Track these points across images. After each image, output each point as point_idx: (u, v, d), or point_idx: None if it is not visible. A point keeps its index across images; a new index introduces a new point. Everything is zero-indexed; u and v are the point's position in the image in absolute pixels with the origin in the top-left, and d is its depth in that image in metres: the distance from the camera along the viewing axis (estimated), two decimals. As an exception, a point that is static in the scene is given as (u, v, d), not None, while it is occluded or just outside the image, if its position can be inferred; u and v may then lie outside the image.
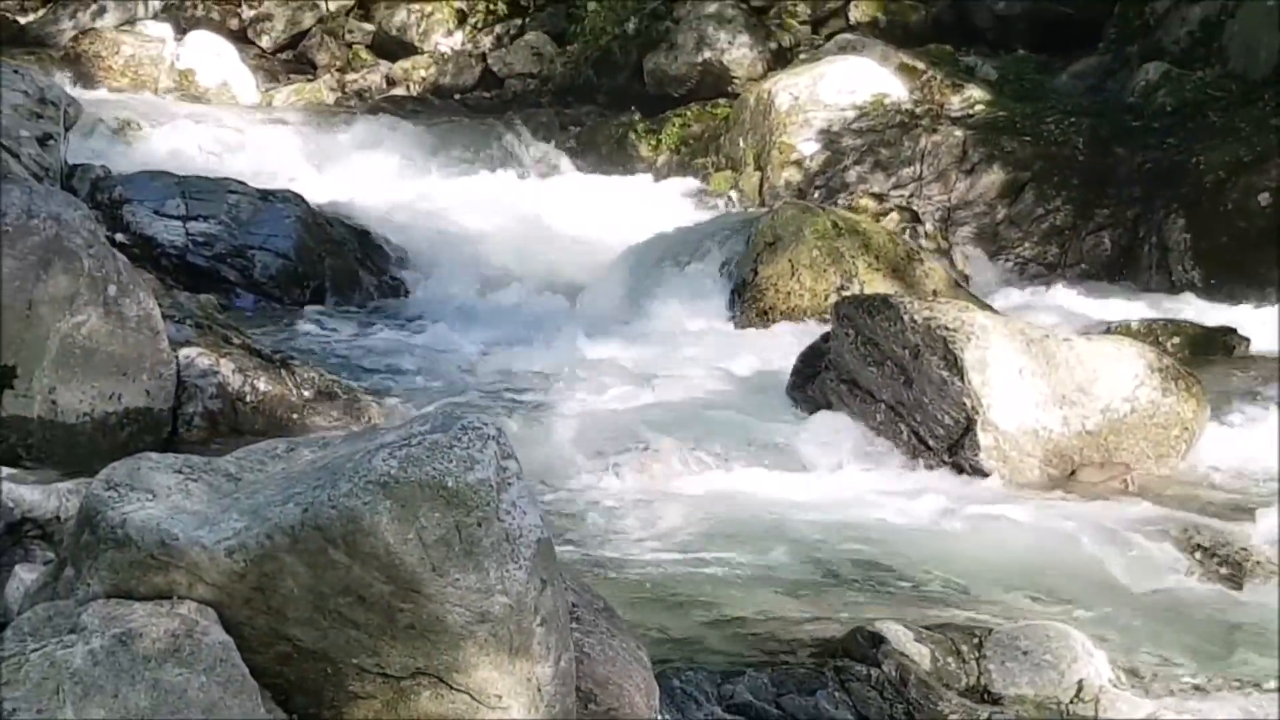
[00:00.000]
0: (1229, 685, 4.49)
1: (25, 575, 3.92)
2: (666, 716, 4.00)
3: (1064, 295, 10.43)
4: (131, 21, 16.40)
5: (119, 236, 8.65)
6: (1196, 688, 4.47)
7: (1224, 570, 5.44)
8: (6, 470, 4.62)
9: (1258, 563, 5.45)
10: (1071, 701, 4.26)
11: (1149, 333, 8.45)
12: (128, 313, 5.59)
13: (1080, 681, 4.30)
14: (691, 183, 12.63)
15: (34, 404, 5.43)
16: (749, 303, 9.07)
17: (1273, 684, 4.50)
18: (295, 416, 6.00)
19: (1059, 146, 11.53)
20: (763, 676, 4.24)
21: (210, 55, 15.53)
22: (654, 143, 13.50)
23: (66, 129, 9.76)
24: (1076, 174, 11.34)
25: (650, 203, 11.72)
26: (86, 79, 14.75)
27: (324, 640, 3.31)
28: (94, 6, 16.54)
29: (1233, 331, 8.88)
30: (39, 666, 3.13)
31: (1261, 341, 8.82)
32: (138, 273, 6.05)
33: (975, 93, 12.18)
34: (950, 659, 4.40)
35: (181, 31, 16.02)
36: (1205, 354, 8.46)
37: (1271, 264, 10.21)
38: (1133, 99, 11.94)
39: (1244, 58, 11.69)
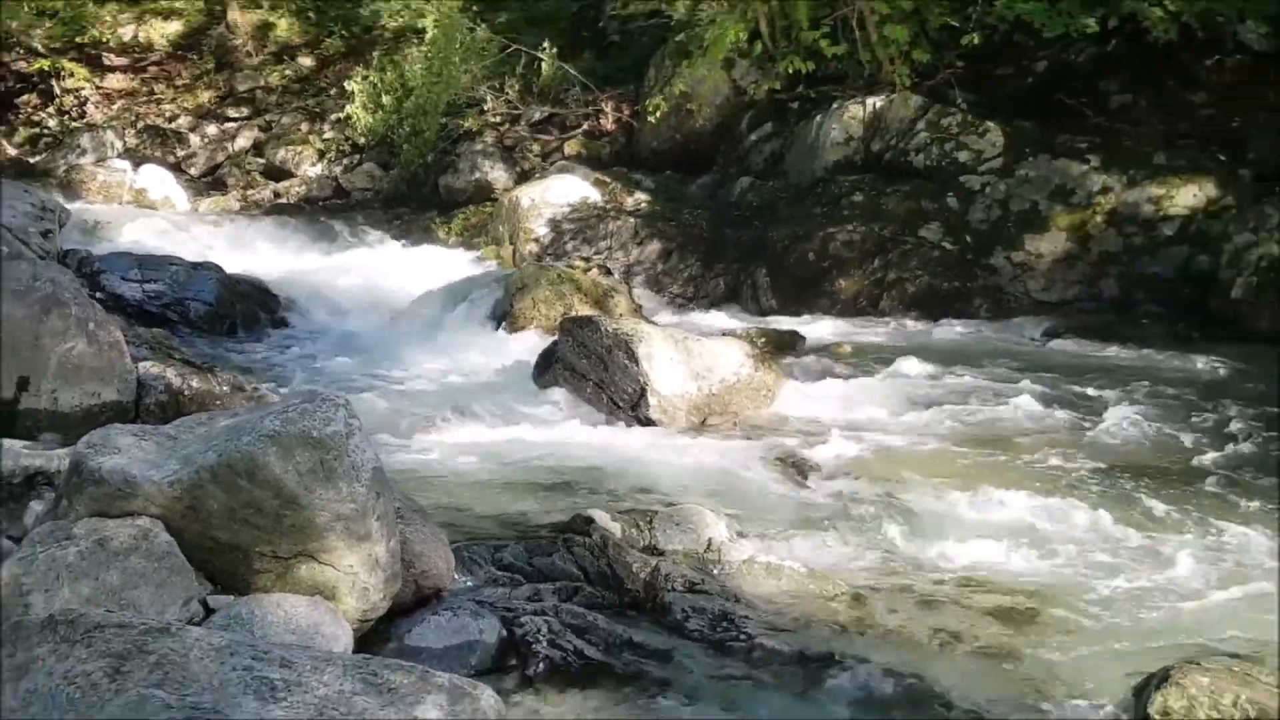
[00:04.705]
0: (799, 537, 4.66)
1: (36, 507, 3.75)
2: (460, 574, 3.97)
3: (698, 315, 10.57)
4: (103, 159, 15.63)
5: (97, 294, 8.13)
6: (777, 539, 4.62)
7: (796, 473, 5.60)
8: (26, 443, 4.40)
9: (814, 466, 5.63)
10: (705, 551, 4.35)
11: (747, 336, 8.58)
12: (103, 340, 5.30)
13: (710, 539, 4.39)
14: (471, 253, 12.46)
15: (42, 401, 5.11)
16: (507, 325, 8.98)
17: (828, 538, 4.67)
18: (218, 403, 5.73)
19: (691, 228, 11.67)
20: (519, 547, 4.24)
21: (156, 180, 14.87)
22: (447, 229, 13.27)
23: (60, 227, 9.22)
24: (703, 244, 11.51)
25: (446, 266, 11.47)
26: (74, 195, 13.94)
27: (236, 537, 3.21)
28: (78, 149, 15.75)
29: (796, 334, 9.10)
30: (45, 561, 2.99)
31: (812, 338, 9.06)
32: (110, 315, 5.73)
33: (641, 196, 12.27)
34: (634, 530, 4.45)
35: (137, 165, 15.31)
36: (780, 348, 8.64)
37: (818, 294, 10.55)
38: (733, 199, 12.17)
39: (797, 174, 12.06)
